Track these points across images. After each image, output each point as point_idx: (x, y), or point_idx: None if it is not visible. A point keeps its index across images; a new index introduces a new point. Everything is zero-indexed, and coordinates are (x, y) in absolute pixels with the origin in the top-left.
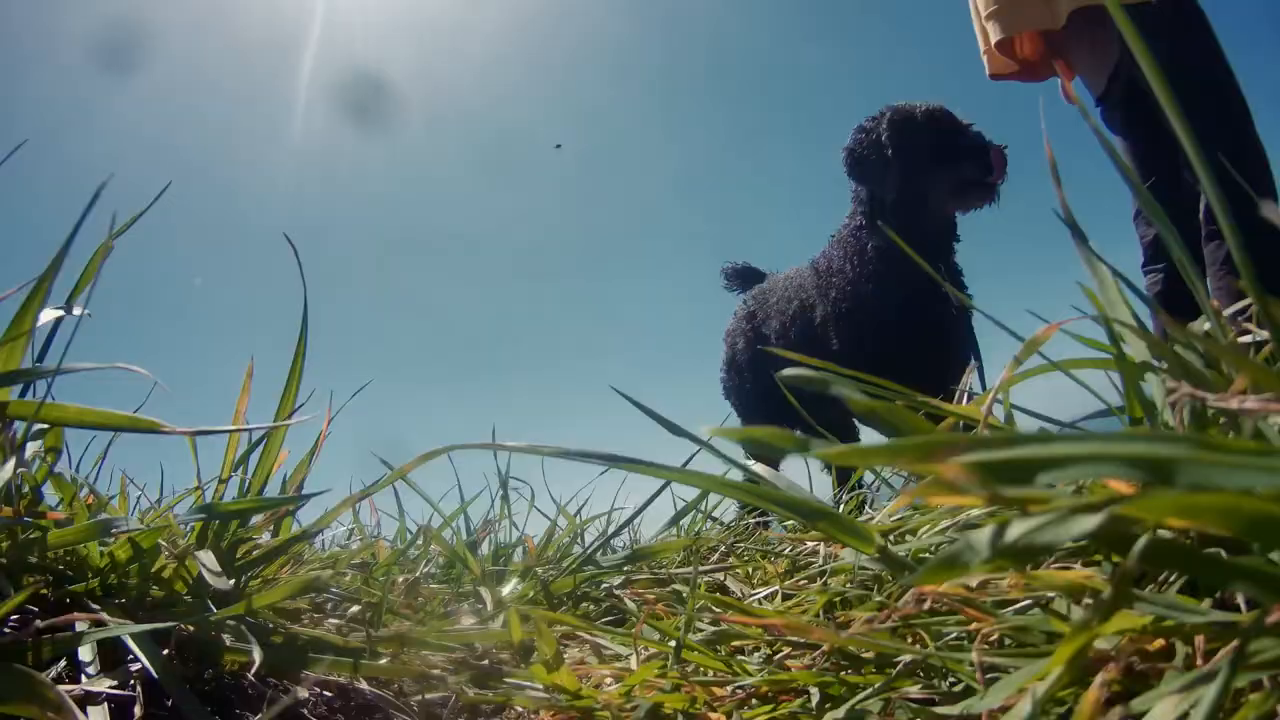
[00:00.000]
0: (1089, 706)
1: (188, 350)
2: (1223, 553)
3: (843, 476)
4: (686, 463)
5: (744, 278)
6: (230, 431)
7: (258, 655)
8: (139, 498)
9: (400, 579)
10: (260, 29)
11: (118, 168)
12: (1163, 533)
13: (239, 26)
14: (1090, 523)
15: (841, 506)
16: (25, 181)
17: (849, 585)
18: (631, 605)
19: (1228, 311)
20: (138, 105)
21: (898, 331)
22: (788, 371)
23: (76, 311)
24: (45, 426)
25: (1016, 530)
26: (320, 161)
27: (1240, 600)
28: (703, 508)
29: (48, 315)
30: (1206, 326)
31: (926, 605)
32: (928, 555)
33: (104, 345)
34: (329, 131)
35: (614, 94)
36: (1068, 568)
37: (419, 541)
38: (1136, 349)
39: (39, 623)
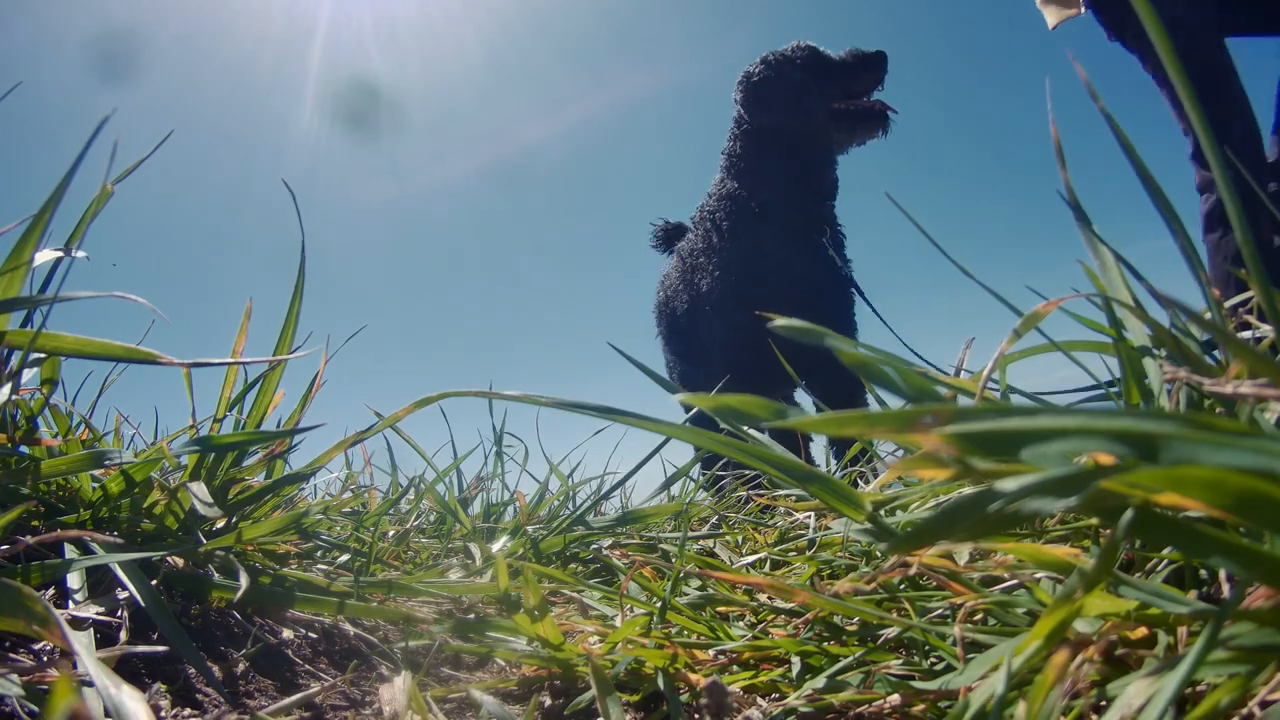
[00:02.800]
0: (1054, 669)
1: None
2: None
3: (839, 454)
4: (685, 421)
5: (673, 238)
6: (227, 364)
7: (244, 581)
8: (133, 436)
9: (390, 530)
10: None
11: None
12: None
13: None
14: (1075, 494)
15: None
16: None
17: (838, 556)
18: (620, 565)
19: (1229, 304)
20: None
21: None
22: (780, 321)
23: (76, 254)
24: (42, 356)
25: (1000, 500)
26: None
27: (1226, 595)
28: (695, 476)
29: (47, 256)
30: (1207, 316)
31: (912, 572)
32: None
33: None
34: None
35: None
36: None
37: (410, 494)
38: (1136, 332)
39: (29, 538)
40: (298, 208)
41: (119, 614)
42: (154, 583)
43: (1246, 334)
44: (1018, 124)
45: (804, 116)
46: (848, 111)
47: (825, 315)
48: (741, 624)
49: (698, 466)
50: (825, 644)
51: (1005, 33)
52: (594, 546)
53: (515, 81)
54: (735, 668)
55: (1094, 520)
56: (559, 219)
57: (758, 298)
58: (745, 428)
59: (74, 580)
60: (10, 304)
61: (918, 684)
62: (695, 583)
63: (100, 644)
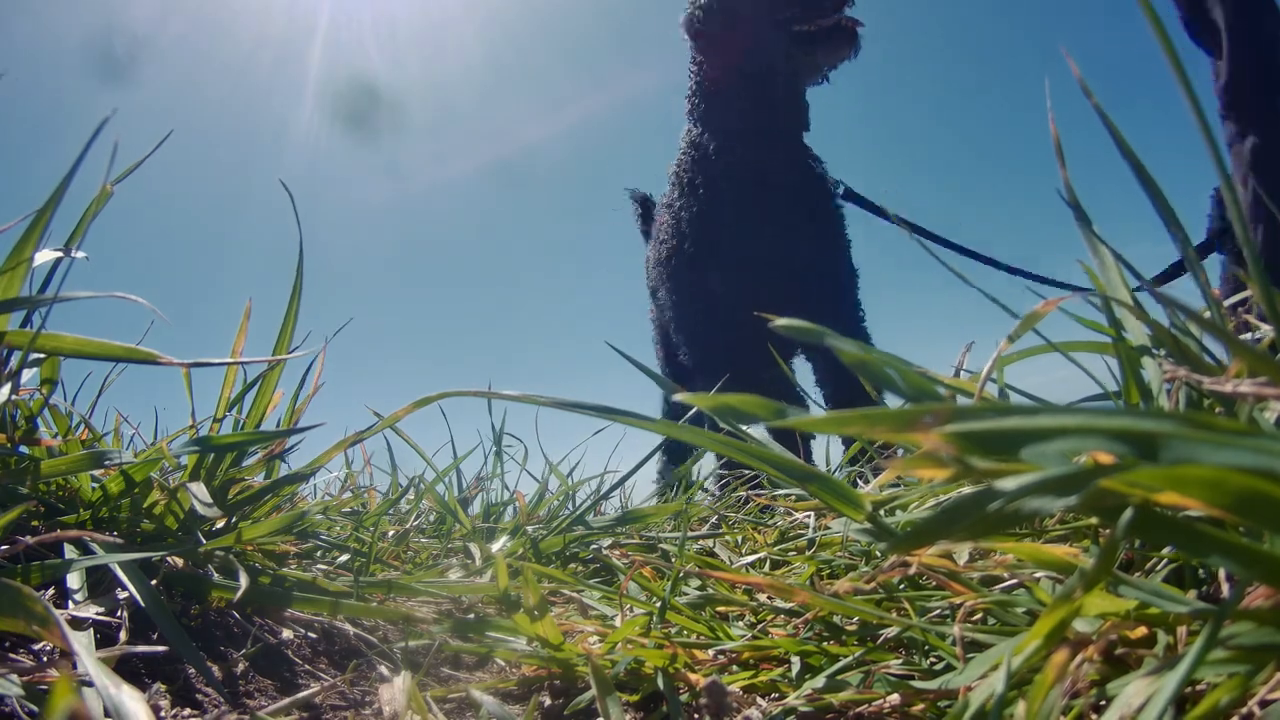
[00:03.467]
0: (1054, 669)
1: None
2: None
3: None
4: (683, 420)
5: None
6: (227, 364)
7: (244, 581)
8: (133, 436)
9: (390, 530)
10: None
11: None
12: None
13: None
14: (1074, 494)
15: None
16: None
17: (838, 555)
18: (619, 565)
19: (1229, 303)
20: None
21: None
22: (781, 322)
23: (76, 254)
24: (42, 356)
25: (999, 499)
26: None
27: (1225, 594)
28: (694, 476)
29: (47, 256)
30: (1207, 314)
31: (912, 572)
32: None
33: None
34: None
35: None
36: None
37: (410, 494)
38: (1135, 332)
39: (29, 539)
40: (295, 208)
41: (119, 614)
42: (154, 583)
43: (1246, 334)
44: (1017, 123)
45: (754, 43)
46: (808, 33)
47: (802, 297)
48: (741, 624)
49: (699, 468)
50: (825, 644)
51: (1005, 30)
52: (594, 546)
53: (515, 81)
54: (735, 667)
55: (1094, 520)
56: (559, 219)
57: (714, 274)
58: (747, 428)
59: (74, 580)
60: (10, 304)
61: (917, 683)
62: (695, 582)
63: (100, 644)
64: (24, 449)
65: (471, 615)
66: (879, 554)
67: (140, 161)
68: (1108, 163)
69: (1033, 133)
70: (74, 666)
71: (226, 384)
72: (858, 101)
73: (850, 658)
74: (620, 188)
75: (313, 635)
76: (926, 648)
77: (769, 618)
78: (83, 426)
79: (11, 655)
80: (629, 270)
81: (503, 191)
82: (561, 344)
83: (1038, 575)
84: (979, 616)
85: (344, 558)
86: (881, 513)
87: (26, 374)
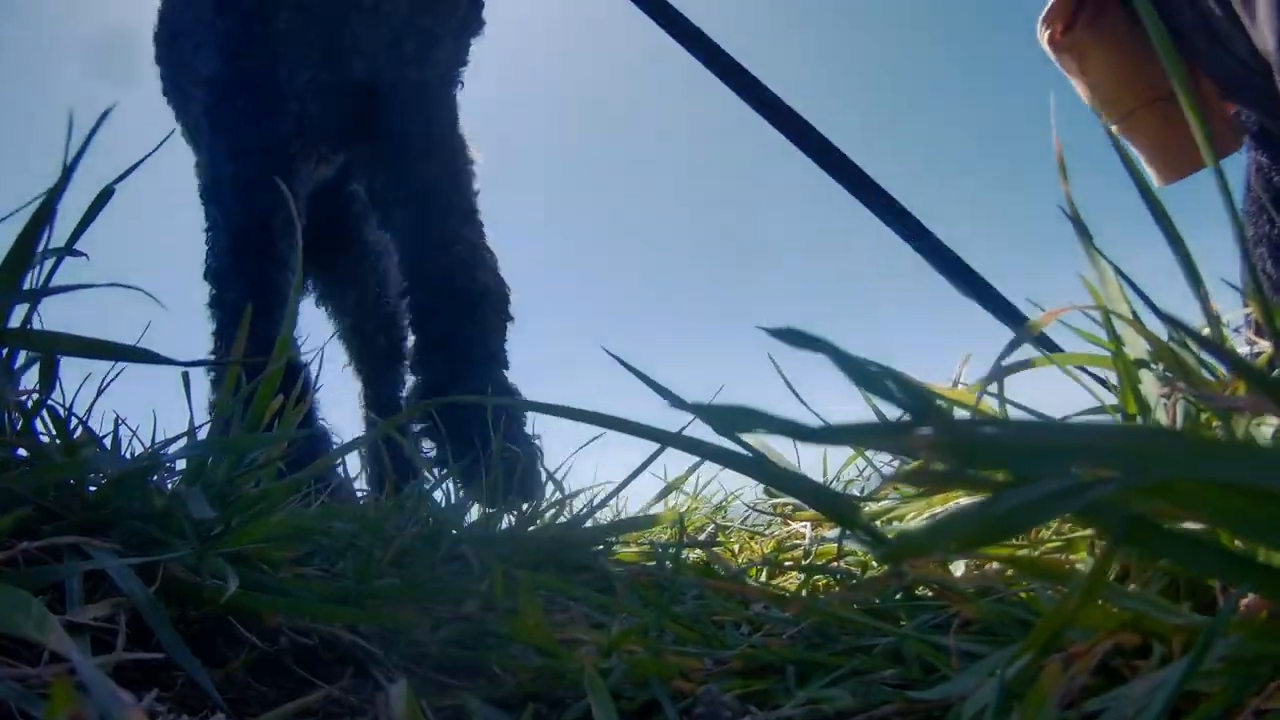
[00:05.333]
0: (1048, 679)
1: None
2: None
3: None
4: (682, 430)
5: None
6: (226, 364)
7: (241, 586)
8: (131, 438)
9: (388, 536)
10: None
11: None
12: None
13: None
14: (1070, 507)
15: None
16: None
17: (833, 565)
18: (616, 573)
19: (1227, 316)
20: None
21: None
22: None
23: (76, 254)
24: (39, 356)
25: (995, 509)
26: None
27: (1221, 605)
28: (691, 488)
29: (46, 256)
30: (1206, 330)
31: (907, 582)
32: None
33: (102, 297)
34: None
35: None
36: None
37: (408, 501)
38: (1134, 346)
39: (25, 543)
40: (293, 209)
41: (116, 620)
42: (151, 588)
43: (1244, 349)
44: (1016, 124)
45: None
46: None
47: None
48: (737, 632)
49: (697, 478)
50: (820, 652)
51: (1002, 32)
52: (591, 553)
53: (515, 81)
54: (730, 676)
55: (1089, 531)
56: (554, 218)
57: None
58: (748, 440)
59: (71, 586)
60: (8, 301)
61: (912, 693)
62: (691, 591)
63: (96, 650)
64: (21, 451)
65: (468, 622)
66: (874, 564)
67: (142, 160)
68: (1107, 170)
69: (1032, 130)
70: (71, 672)
71: (226, 386)
72: (855, 99)
73: (845, 667)
74: (612, 188)
75: (310, 642)
76: (922, 661)
77: (765, 626)
78: (80, 428)
79: (8, 661)
80: (627, 270)
81: (495, 192)
82: (557, 343)
83: (1033, 586)
84: (975, 627)
85: (342, 563)
86: (877, 524)
87: (24, 375)
